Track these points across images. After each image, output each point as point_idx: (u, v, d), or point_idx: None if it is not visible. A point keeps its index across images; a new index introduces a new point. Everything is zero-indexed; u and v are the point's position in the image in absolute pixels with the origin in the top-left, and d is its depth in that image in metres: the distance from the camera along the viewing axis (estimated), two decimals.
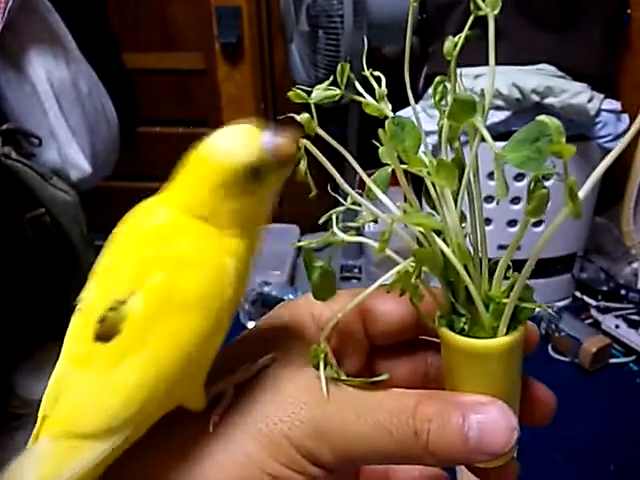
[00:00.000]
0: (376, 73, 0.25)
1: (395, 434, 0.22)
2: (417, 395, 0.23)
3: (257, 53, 1.31)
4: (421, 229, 0.22)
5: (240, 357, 0.25)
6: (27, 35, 0.85)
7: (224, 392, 0.24)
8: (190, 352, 0.22)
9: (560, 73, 0.98)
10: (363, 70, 0.25)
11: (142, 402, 0.21)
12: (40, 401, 0.23)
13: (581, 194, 0.19)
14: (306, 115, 0.24)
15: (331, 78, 0.24)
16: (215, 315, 0.22)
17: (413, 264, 0.22)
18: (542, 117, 0.20)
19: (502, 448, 0.22)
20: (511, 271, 0.22)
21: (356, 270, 1.21)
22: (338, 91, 0.24)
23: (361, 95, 0.24)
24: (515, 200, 0.96)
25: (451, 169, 0.22)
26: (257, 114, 1.37)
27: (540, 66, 0.98)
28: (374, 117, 0.25)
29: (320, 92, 0.23)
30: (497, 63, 0.22)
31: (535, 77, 0.95)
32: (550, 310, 0.95)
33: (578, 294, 1.11)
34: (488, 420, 0.22)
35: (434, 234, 0.22)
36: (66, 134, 0.89)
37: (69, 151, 0.89)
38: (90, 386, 0.21)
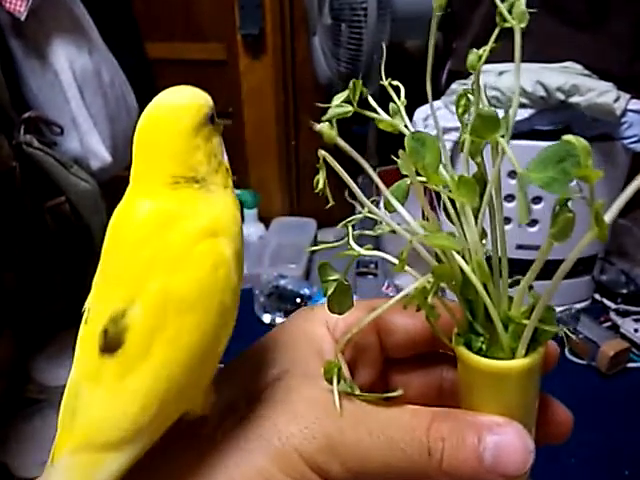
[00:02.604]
0: (395, 82, 0.25)
1: (408, 452, 0.21)
2: (432, 413, 0.22)
3: (279, 45, 1.30)
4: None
5: (255, 367, 0.25)
6: (51, 24, 0.85)
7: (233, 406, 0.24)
8: (197, 352, 0.22)
9: (586, 71, 0.96)
10: (381, 71, 0.25)
11: (157, 408, 0.21)
12: (57, 387, 0.23)
13: (607, 218, 0.19)
14: (326, 124, 0.24)
15: (346, 93, 0.23)
16: (217, 310, 0.22)
17: (431, 280, 0.22)
18: (569, 137, 0.19)
19: (517, 470, 0.21)
20: (532, 291, 0.22)
21: (372, 266, 1.21)
22: (351, 108, 0.24)
23: (375, 111, 0.24)
24: (536, 200, 0.95)
25: (472, 186, 0.21)
26: (278, 106, 1.37)
27: (566, 64, 0.96)
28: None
29: (334, 109, 0.23)
30: (522, 60, 0.22)
31: (561, 75, 0.93)
32: (571, 334, 0.94)
33: (597, 296, 1.09)
34: (504, 441, 0.21)
35: (454, 252, 0.21)
36: (87, 123, 0.90)
37: (90, 140, 0.90)
38: (104, 399, 0.21)
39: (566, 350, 0.98)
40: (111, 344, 0.21)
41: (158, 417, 0.21)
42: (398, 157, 0.23)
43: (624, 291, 1.06)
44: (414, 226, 0.23)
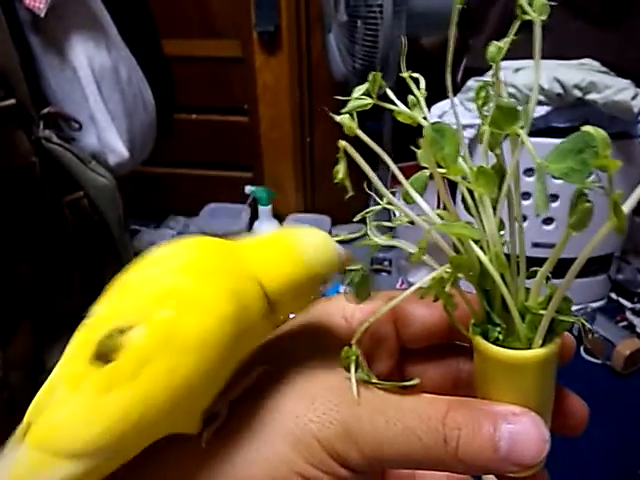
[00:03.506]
0: (415, 75, 0.25)
1: (424, 440, 0.22)
2: (448, 401, 0.23)
3: (294, 42, 1.30)
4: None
5: (273, 355, 0.26)
6: (70, 20, 0.86)
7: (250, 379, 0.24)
8: (182, 394, 0.21)
9: (604, 68, 0.95)
10: (401, 64, 0.25)
11: (123, 434, 0.21)
12: None
13: (626, 208, 0.19)
14: (346, 116, 0.24)
15: (366, 86, 0.24)
16: (214, 361, 0.22)
17: (449, 270, 0.22)
18: (588, 128, 0.19)
19: (533, 460, 0.21)
20: (549, 282, 0.22)
21: (386, 263, 1.21)
22: (370, 100, 0.24)
23: (394, 103, 0.24)
24: (552, 198, 0.94)
25: (491, 177, 0.21)
26: (293, 103, 1.37)
27: (583, 61, 0.95)
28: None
29: (354, 102, 0.23)
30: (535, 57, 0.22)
31: (578, 72, 0.93)
32: (586, 323, 0.94)
33: (614, 296, 1.08)
34: (520, 431, 0.21)
35: (472, 242, 0.21)
36: (105, 119, 0.90)
37: (108, 136, 0.91)
38: (76, 407, 0.21)
39: (581, 349, 0.97)
40: (104, 356, 0.21)
41: (123, 442, 0.21)
42: (414, 151, 0.24)
43: None
44: (432, 216, 0.23)
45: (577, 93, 0.92)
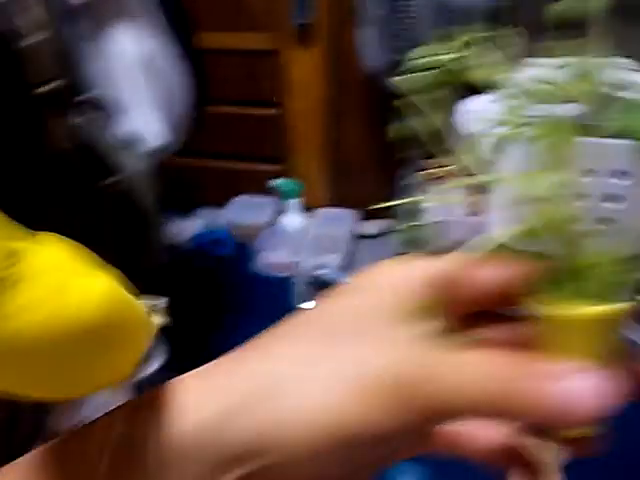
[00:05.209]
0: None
1: (487, 394, 0.22)
2: (510, 357, 0.23)
3: (329, 36, 1.31)
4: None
5: (336, 310, 0.26)
6: (111, 7, 0.88)
7: None
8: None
9: (637, 67, 0.94)
10: None
11: None
12: None
13: None
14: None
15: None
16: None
17: (524, 226, 0.22)
18: None
19: (587, 416, 0.21)
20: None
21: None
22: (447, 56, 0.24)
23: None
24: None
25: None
26: (325, 96, 1.38)
27: (621, 59, 0.95)
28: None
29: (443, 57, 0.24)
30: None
31: (615, 70, 0.92)
32: None
33: None
34: (579, 386, 0.22)
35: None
36: (142, 106, 0.92)
37: (144, 122, 0.92)
38: None
39: None
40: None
41: None
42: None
43: None
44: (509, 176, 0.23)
45: (615, 91, 0.91)
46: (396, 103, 0.26)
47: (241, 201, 1.51)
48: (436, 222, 1.04)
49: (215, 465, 0.23)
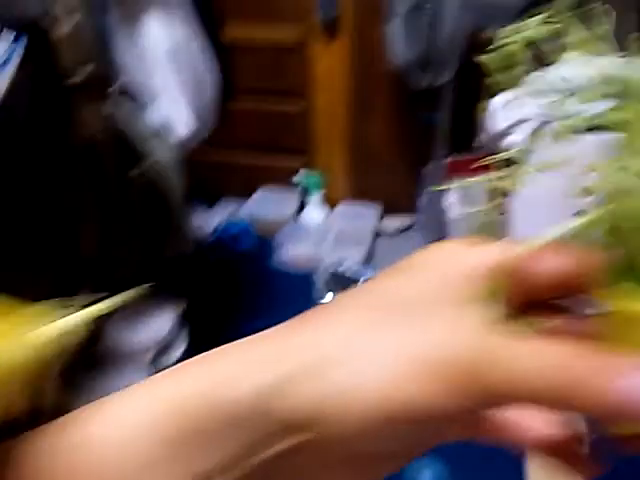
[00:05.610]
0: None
1: (549, 380, 0.22)
2: (576, 347, 0.22)
3: (355, 29, 1.31)
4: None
5: (397, 284, 0.25)
6: None
7: None
8: None
9: None
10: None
11: None
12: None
13: None
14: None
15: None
16: None
17: (597, 216, 0.22)
18: None
19: None
20: None
21: None
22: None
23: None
24: None
25: None
26: (349, 90, 1.38)
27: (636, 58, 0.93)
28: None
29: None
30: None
31: (632, 68, 0.91)
32: None
33: None
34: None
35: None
36: (172, 95, 0.93)
37: (173, 111, 0.93)
38: None
39: None
40: None
41: None
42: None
43: None
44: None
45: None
46: (486, 81, 0.25)
47: (264, 194, 1.52)
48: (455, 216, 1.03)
49: (263, 435, 0.22)
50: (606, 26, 0.24)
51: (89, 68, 0.79)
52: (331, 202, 1.45)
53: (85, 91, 0.79)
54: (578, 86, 0.25)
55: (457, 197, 1.10)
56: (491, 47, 0.23)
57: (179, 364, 0.24)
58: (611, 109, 0.23)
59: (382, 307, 0.24)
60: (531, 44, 0.24)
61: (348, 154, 1.45)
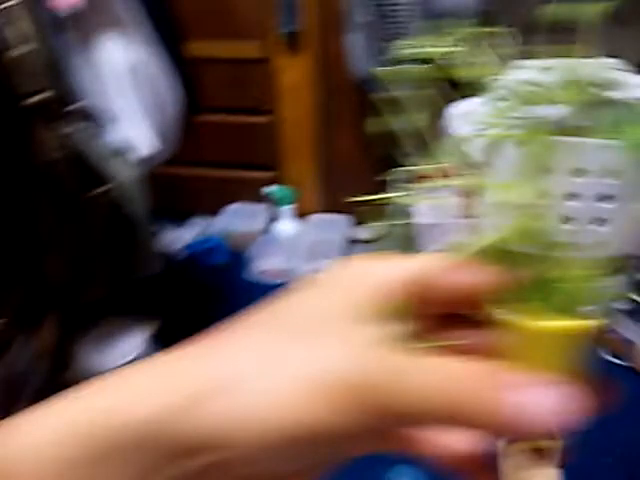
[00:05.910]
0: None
1: (443, 396, 0.22)
2: (473, 364, 0.22)
3: (317, 42, 1.32)
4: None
5: (303, 305, 0.25)
6: (102, 17, 0.88)
7: None
8: None
9: (626, 67, 0.95)
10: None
11: None
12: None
13: None
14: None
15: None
16: None
17: (499, 235, 0.22)
18: None
19: (543, 429, 0.21)
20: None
21: None
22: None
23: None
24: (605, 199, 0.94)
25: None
26: (314, 103, 1.38)
27: (606, 59, 0.95)
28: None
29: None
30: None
31: (600, 70, 0.93)
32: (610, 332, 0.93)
33: (635, 296, 1.07)
34: (535, 400, 0.21)
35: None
36: (132, 115, 0.92)
37: (134, 131, 0.92)
38: None
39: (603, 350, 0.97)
40: None
41: None
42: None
43: None
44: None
45: (601, 91, 0.92)
46: (376, 97, 0.25)
47: (234, 209, 1.51)
48: (423, 223, 1.03)
49: (163, 457, 0.22)
50: (511, 47, 0.24)
51: (46, 90, 0.78)
52: (302, 214, 1.45)
53: (42, 112, 0.79)
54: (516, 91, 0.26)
55: (425, 205, 1.11)
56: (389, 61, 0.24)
57: (93, 383, 0.24)
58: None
59: (286, 325, 0.24)
60: (428, 61, 0.24)
61: (317, 166, 1.46)
